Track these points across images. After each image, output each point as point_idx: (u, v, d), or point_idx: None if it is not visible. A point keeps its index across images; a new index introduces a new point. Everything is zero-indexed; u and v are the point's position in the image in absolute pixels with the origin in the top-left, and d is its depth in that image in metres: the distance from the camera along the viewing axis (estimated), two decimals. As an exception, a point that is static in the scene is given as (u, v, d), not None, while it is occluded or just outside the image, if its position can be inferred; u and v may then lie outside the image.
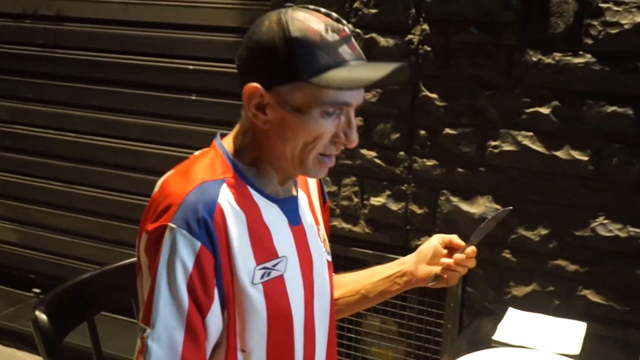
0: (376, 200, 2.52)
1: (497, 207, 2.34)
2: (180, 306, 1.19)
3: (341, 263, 2.61)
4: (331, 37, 1.19)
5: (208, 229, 1.19)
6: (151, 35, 3.03)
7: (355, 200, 2.56)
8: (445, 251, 1.57)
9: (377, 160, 2.49)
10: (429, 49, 2.34)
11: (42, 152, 3.42)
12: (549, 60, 2.19)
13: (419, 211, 2.46)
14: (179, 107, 2.98)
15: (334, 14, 1.23)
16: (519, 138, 2.27)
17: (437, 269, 1.56)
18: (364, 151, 2.50)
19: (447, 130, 2.36)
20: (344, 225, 2.59)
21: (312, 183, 1.52)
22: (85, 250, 3.36)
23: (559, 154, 2.23)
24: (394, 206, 2.49)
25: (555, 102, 2.21)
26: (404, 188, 2.47)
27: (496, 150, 2.31)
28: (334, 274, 1.67)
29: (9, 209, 3.57)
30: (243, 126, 1.31)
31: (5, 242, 3.61)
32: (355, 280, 1.66)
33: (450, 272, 1.55)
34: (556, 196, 2.26)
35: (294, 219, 1.36)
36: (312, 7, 1.24)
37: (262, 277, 1.27)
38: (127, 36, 3.09)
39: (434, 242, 1.59)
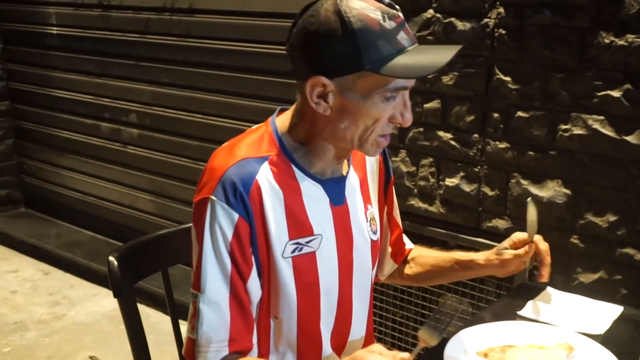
0: (451, 181, 2.54)
1: (566, 191, 2.28)
2: (224, 272, 1.29)
3: (417, 241, 2.64)
4: (389, 24, 1.22)
5: (244, 202, 1.28)
6: (268, 24, 3.22)
7: (432, 180, 2.59)
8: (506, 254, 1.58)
9: (453, 142, 2.50)
10: (503, 32, 2.33)
11: (173, 131, 3.74)
12: (621, 42, 2.11)
13: (490, 193, 2.45)
14: (289, 91, 3.13)
15: (387, 0, 1.26)
16: (590, 122, 2.20)
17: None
18: (440, 133, 2.53)
19: (520, 114, 2.34)
20: (421, 204, 2.63)
21: (372, 161, 1.55)
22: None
23: (629, 138, 2.13)
24: (467, 187, 2.50)
25: (627, 85, 2.12)
26: (477, 170, 2.47)
27: (567, 134, 2.25)
28: (419, 246, 1.77)
29: (148, 182, 3.95)
30: (300, 109, 1.35)
31: (143, 210, 3.99)
32: (432, 264, 1.70)
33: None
34: (626, 182, 2.17)
35: (337, 199, 1.41)
36: None
37: (293, 251, 1.34)
38: (246, 25, 3.31)
39: (493, 257, 1.59)
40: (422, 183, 2.62)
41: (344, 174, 1.45)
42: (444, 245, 2.60)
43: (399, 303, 2.74)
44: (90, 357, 3.17)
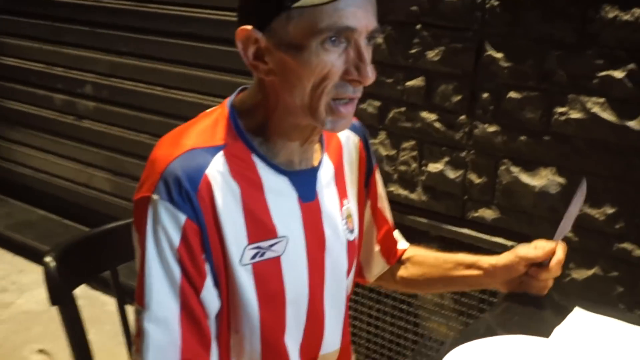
0: (434, 167, 2.34)
1: (560, 180, 2.10)
2: (173, 283, 1.10)
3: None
4: None
5: (191, 201, 1.08)
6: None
7: (413, 165, 2.39)
8: (523, 269, 1.43)
9: (437, 124, 2.30)
10: (495, 3, 2.12)
11: (132, 104, 3.49)
12: (626, 17, 1.91)
13: (477, 180, 2.26)
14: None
15: None
16: (589, 105, 2.01)
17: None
18: (424, 114, 2.33)
19: (512, 94, 2.14)
20: (401, 191, 2.43)
21: (350, 148, 1.36)
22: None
23: (631, 124, 1.95)
24: (451, 174, 2.31)
25: (631, 65, 1.93)
26: (463, 155, 2.28)
27: (563, 118, 2.06)
28: (415, 246, 1.58)
29: (105, 159, 3.69)
30: (254, 85, 1.18)
31: (100, 190, 3.75)
32: (432, 264, 1.52)
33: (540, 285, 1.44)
34: (626, 171, 1.99)
35: (307, 194, 1.22)
36: None
37: (253, 257, 1.16)
38: None
39: (514, 264, 1.43)
40: (402, 168, 2.42)
41: (315, 164, 1.25)
42: (425, 236, 2.41)
43: (375, 309, 2.55)
44: (39, 351, 2.94)
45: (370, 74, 1.08)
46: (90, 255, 1.54)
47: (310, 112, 1.10)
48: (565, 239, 1.47)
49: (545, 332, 1.35)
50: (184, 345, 1.11)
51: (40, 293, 3.43)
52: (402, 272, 1.54)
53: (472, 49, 2.19)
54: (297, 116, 1.13)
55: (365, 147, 1.40)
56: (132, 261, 1.54)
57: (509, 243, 2.18)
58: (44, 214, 4.08)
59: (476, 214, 2.28)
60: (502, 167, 2.20)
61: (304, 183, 1.22)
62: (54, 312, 1.42)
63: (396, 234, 1.57)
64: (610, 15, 1.94)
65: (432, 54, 2.27)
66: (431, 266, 1.51)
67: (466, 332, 1.43)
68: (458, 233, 2.30)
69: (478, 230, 2.27)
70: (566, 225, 1.46)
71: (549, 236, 1.46)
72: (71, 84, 3.75)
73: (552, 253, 1.42)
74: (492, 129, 2.20)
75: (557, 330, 1.39)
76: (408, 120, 2.37)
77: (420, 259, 1.54)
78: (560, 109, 2.06)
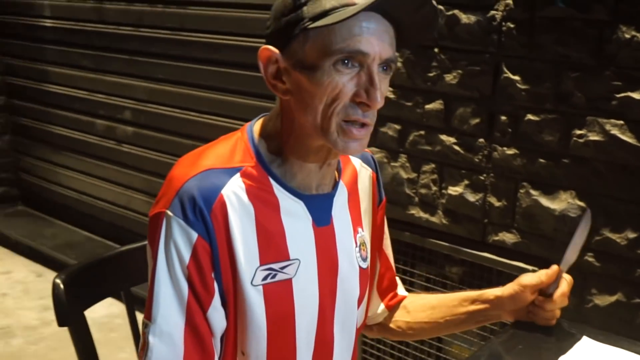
0: (454, 190, 2.31)
1: (581, 204, 2.04)
2: (180, 298, 1.11)
3: (418, 254, 2.44)
4: None
5: (205, 219, 1.10)
6: (266, 17, 3.01)
7: (434, 188, 2.36)
8: (531, 296, 1.39)
9: (456, 147, 2.27)
10: (512, 25, 2.09)
11: (168, 129, 3.55)
12: (644, 38, 1.87)
13: (497, 204, 2.22)
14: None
15: None
16: (607, 127, 1.96)
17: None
18: (443, 137, 2.30)
19: (529, 117, 2.10)
20: (422, 214, 2.40)
21: (364, 179, 1.36)
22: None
23: (651, 146, 1.90)
24: (471, 197, 2.27)
25: (650, 86, 1.88)
26: (482, 178, 2.24)
27: (581, 140, 2.01)
28: (412, 292, 1.55)
29: (143, 182, 3.76)
30: (274, 110, 1.20)
31: (138, 212, 3.82)
32: (434, 305, 1.48)
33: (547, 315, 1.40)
34: (647, 195, 1.93)
35: (322, 219, 1.22)
36: None
37: (264, 278, 1.16)
38: (243, 18, 3.11)
39: (519, 293, 1.39)
40: (423, 191, 2.39)
41: (331, 189, 1.25)
42: (446, 259, 2.38)
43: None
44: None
45: (379, 99, 1.08)
46: (103, 277, 1.54)
47: (322, 131, 1.11)
48: (583, 265, 1.42)
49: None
50: None
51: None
52: (407, 317, 1.50)
53: (490, 71, 2.16)
54: (311, 137, 1.14)
55: (377, 180, 1.40)
56: (144, 283, 1.58)
57: (529, 267, 2.13)
58: (86, 234, 4.18)
59: (496, 238, 2.23)
60: (522, 190, 2.16)
61: (319, 208, 1.22)
62: (92, 330, 1.44)
63: (397, 279, 1.53)
64: (627, 35, 1.89)
65: (450, 77, 2.24)
66: (435, 307, 1.47)
67: (471, 358, 1.40)
68: (479, 257, 2.26)
69: (498, 254, 2.22)
70: (571, 256, 1.41)
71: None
72: (111, 110, 3.85)
73: (555, 277, 1.38)
74: (510, 151, 2.16)
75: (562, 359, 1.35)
76: (428, 143, 2.34)
77: (423, 302, 1.49)
78: (578, 131, 2.01)
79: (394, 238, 1.57)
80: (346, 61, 1.06)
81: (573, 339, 1.42)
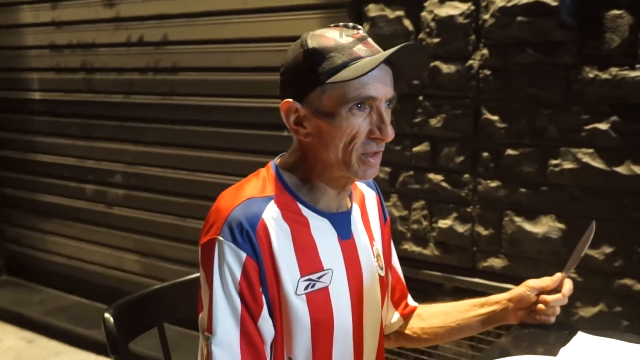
0: (444, 223, 2.51)
1: (561, 226, 2.26)
2: (235, 312, 1.26)
3: (412, 285, 2.59)
4: (345, 40, 1.27)
5: (251, 241, 1.26)
6: (251, 79, 3.24)
7: (425, 223, 2.56)
8: (534, 298, 1.55)
9: (444, 184, 2.49)
10: (488, 72, 2.34)
11: (159, 189, 3.69)
12: (605, 76, 2.12)
13: (484, 232, 2.42)
14: (273, 143, 3.15)
15: (351, 24, 1.31)
16: (579, 155, 2.20)
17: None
18: (431, 175, 2.51)
19: (509, 151, 2.33)
20: (414, 248, 2.59)
21: (370, 200, 1.54)
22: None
23: (620, 169, 2.13)
24: (460, 228, 2.47)
25: (614, 117, 2.13)
26: (469, 210, 2.45)
27: (557, 169, 2.24)
28: (424, 304, 1.69)
29: (135, 242, 3.87)
30: (293, 146, 1.38)
31: (130, 271, 3.90)
32: (447, 311, 1.64)
33: (548, 312, 1.55)
34: (620, 213, 2.15)
35: (345, 233, 1.39)
36: (334, 24, 1.33)
37: (306, 288, 1.32)
38: (230, 81, 3.31)
39: (525, 291, 1.56)
40: (414, 226, 2.58)
41: (349, 208, 1.43)
42: (440, 288, 2.55)
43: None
44: None
45: (391, 132, 1.29)
46: (143, 312, 1.68)
47: (345, 165, 1.31)
48: (570, 279, 1.57)
49: (552, 352, 1.47)
50: None
51: (77, 371, 3.53)
52: (421, 324, 1.65)
53: (470, 114, 2.40)
54: (333, 169, 1.33)
55: (381, 202, 1.58)
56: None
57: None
58: (76, 299, 4.22)
59: (486, 264, 2.43)
60: (506, 218, 2.37)
61: (341, 224, 1.40)
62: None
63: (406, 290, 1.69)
64: (591, 75, 2.15)
65: (434, 121, 2.47)
66: (447, 313, 1.63)
67: (484, 355, 1.55)
68: (470, 282, 2.44)
69: (489, 279, 2.41)
70: (574, 261, 1.57)
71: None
72: (101, 174, 3.97)
73: (559, 283, 1.55)
74: (494, 184, 2.38)
75: (564, 350, 1.50)
76: (417, 182, 2.55)
77: (436, 309, 1.66)
78: (554, 161, 2.25)
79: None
80: (359, 105, 1.27)
81: (570, 334, 1.59)
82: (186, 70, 3.48)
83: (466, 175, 2.44)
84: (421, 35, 2.47)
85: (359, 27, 1.31)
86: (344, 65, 1.24)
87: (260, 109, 3.20)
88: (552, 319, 1.59)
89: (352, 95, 1.25)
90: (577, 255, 1.58)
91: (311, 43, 1.27)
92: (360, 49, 1.26)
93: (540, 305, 1.56)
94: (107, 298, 3.92)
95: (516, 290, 1.58)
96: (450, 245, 2.51)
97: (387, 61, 1.26)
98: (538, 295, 1.56)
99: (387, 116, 1.30)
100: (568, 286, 1.56)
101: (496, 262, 2.41)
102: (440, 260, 2.54)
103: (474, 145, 2.41)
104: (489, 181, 2.39)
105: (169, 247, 3.68)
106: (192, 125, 3.50)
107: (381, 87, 1.27)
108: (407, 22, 2.50)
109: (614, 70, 2.11)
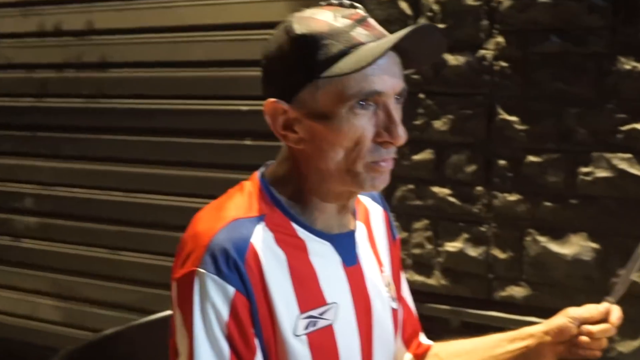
0: (452, 246, 2.60)
1: (594, 245, 2.38)
2: None
3: (415, 323, 2.68)
4: (341, 22, 1.26)
5: (240, 272, 1.25)
6: (200, 75, 3.28)
7: (429, 247, 2.65)
8: (576, 330, 1.53)
9: (451, 199, 2.59)
10: (505, 64, 2.46)
11: (83, 215, 3.68)
12: (644, 68, 2.27)
13: (502, 256, 2.52)
14: (233, 154, 3.16)
15: (347, 1, 1.32)
16: (615, 161, 2.32)
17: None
18: (435, 189, 2.61)
19: (531, 158, 2.45)
20: (417, 277, 2.67)
21: (376, 216, 1.56)
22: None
23: (663, 177, 2.27)
24: (473, 251, 2.57)
25: (657, 116, 2.27)
26: (483, 229, 2.55)
27: (589, 178, 2.36)
28: (440, 341, 1.70)
29: (50, 282, 3.83)
30: (282, 154, 1.38)
31: (47, 320, 3.85)
32: (470, 350, 1.64)
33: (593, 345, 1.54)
34: (664, 228, 2.28)
35: (350, 259, 1.40)
36: (325, 2, 1.33)
37: (306, 327, 1.32)
38: (175, 78, 3.35)
39: (564, 322, 1.54)
40: (416, 251, 2.67)
41: (353, 228, 1.46)
42: (446, 324, 2.62)
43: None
44: None
45: (402, 134, 1.30)
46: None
47: (350, 176, 1.31)
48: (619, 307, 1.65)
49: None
50: None
51: None
52: None
53: (483, 114, 2.51)
54: (333, 182, 1.34)
55: (389, 218, 1.62)
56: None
57: (544, 321, 2.40)
58: (-27, 359, 4.14)
59: (504, 293, 2.53)
60: (528, 238, 2.48)
61: (345, 247, 1.41)
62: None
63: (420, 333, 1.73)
64: (627, 66, 2.28)
65: (439, 124, 2.58)
66: (470, 352, 1.63)
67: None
68: (485, 317, 2.53)
69: (508, 312, 2.51)
70: (622, 285, 1.64)
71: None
72: (6, 199, 3.93)
73: (605, 314, 1.56)
74: (513, 197, 2.49)
75: None
76: (418, 198, 2.64)
77: (456, 347, 1.67)
78: (585, 169, 2.37)
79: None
80: (362, 102, 1.25)
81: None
82: (118, 66, 3.49)
83: (479, 188, 2.54)
84: (422, 20, 2.57)
85: (357, 5, 1.32)
86: (342, 55, 1.24)
87: (216, 113, 3.24)
88: (599, 354, 1.61)
89: (354, 91, 1.24)
90: (626, 279, 1.64)
91: (299, 28, 1.26)
92: (360, 33, 1.26)
93: (584, 338, 1.55)
94: (17, 356, 3.89)
95: (554, 322, 1.58)
96: (461, 273, 2.60)
97: (394, 47, 1.25)
98: (579, 326, 1.56)
99: (397, 114, 1.30)
100: (617, 314, 1.58)
101: (517, 291, 2.51)
102: (448, 292, 2.63)
103: (487, 151, 2.52)
104: (506, 194, 2.50)
105: (97, 287, 3.67)
106: (126, 134, 3.51)
107: (388, 80, 1.27)
108: (404, 5, 2.60)
109: (655, 60, 2.25)
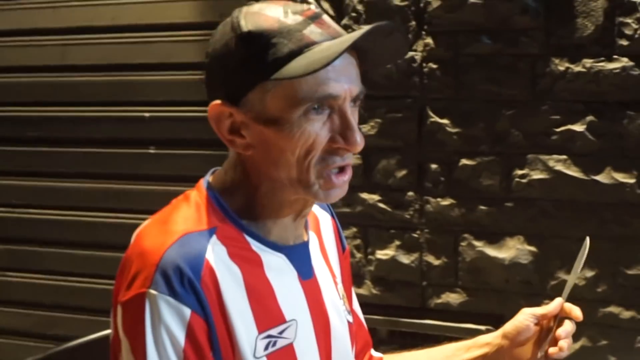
0: (383, 254, 2.53)
1: (532, 248, 2.36)
2: None
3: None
4: (292, 19, 1.17)
5: (196, 291, 1.15)
6: (96, 80, 3.09)
7: (358, 255, 2.56)
8: (535, 328, 1.49)
9: (381, 205, 2.51)
10: (434, 66, 2.41)
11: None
12: (578, 69, 2.26)
13: (436, 262, 2.47)
14: (135, 164, 3.00)
15: None
16: (551, 163, 2.32)
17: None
18: (364, 195, 2.53)
19: (464, 162, 2.41)
20: (346, 287, 2.58)
21: (326, 225, 1.48)
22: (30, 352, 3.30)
23: (599, 178, 2.27)
24: (405, 259, 2.50)
25: (591, 117, 2.27)
26: (416, 235, 2.49)
27: (524, 180, 2.35)
28: (392, 353, 1.64)
29: None
30: (230, 161, 1.29)
31: None
32: (423, 351, 1.59)
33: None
34: (601, 229, 2.29)
35: (305, 272, 1.32)
36: None
37: (266, 347, 1.23)
38: (67, 84, 3.14)
39: (521, 320, 1.49)
40: (345, 260, 2.57)
41: (306, 239, 1.37)
42: (376, 335, 2.55)
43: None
44: None
45: (359, 140, 1.21)
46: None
47: (301, 185, 1.22)
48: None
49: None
50: None
51: None
52: None
53: (413, 117, 2.45)
54: (285, 191, 1.24)
55: (337, 227, 1.53)
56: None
57: (481, 327, 2.37)
58: None
59: (439, 301, 2.48)
60: (463, 244, 2.43)
61: (300, 259, 1.32)
62: None
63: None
64: (561, 67, 2.28)
65: (367, 128, 2.50)
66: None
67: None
68: (420, 325, 2.48)
69: (444, 319, 2.46)
70: (571, 283, 1.57)
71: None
72: None
73: (560, 308, 1.52)
74: (446, 202, 2.44)
75: None
76: (346, 205, 2.55)
77: (408, 359, 1.61)
78: (520, 172, 2.35)
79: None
80: (316, 107, 1.18)
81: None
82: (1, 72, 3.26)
83: (410, 193, 2.48)
84: (345, 22, 2.49)
85: (310, 0, 1.25)
86: (293, 55, 1.15)
87: (114, 120, 3.06)
88: (565, 352, 1.59)
89: (306, 95, 1.16)
90: (574, 277, 1.62)
91: (246, 25, 1.17)
92: (313, 32, 1.17)
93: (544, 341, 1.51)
94: None
95: (511, 323, 1.52)
96: (393, 281, 2.53)
97: (351, 47, 1.16)
98: (537, 324, 1.52)
99: (354, 119, 1.22)
100: (577, 311, 1.53)
101: (452, 298, 2.46)
102: (380, 301, 2.55)
103: (419, 155, 2.47)
104: (439, 199, 2.45)
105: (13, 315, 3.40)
106: (11, 144, 3.29)
107: (344, 82, 1.18)
108: (326, 5, 2.52)
109: (588, 62, 2.25)
